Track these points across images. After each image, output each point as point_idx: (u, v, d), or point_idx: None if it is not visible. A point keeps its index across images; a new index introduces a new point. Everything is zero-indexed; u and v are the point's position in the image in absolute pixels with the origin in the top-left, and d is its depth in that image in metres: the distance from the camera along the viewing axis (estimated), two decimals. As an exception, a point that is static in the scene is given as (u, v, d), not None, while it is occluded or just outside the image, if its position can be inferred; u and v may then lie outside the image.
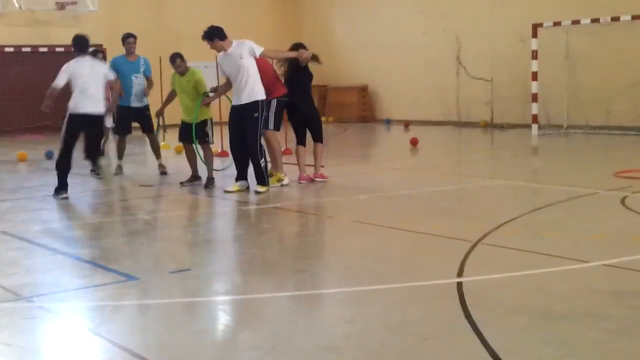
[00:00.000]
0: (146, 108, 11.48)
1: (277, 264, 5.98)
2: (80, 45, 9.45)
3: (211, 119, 10.14)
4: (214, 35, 9.13)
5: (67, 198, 9.06)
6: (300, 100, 9.79)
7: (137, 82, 11.31)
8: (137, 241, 6.89)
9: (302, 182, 9.83)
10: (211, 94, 9.92)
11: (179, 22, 21.80)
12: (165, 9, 22.42)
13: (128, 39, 11.43)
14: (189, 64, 10.14)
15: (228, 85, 9.60)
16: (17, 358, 3.98)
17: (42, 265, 6.00)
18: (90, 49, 10.01)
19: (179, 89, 10.10)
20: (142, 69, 11.39)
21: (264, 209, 8.43)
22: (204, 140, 10.03)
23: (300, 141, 10.02)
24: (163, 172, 11.29)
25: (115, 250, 6.46)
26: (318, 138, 10.05)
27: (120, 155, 11.59)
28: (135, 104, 11.33)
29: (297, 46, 9.76)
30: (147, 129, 11.53)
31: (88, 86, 9.15)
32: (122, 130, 11.55)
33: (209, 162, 9.96)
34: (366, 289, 5.03)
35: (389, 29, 21.88)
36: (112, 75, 9.75)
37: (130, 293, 5.14)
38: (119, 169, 11.40)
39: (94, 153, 9.59)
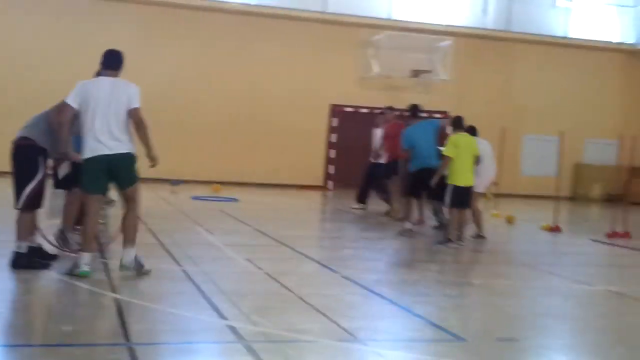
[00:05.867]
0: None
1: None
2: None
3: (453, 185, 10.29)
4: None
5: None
6: None
7: None
8: (464, 303, 7.06)
9: None
10: None
11: (524, 95, 21.90)
12: (513, 82, 22.66)
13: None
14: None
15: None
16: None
17: (378, 312, 6.46)
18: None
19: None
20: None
21: (595, 291, 8.08)
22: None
23: None
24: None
25: (443, 308, 6.70)
26: None
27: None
28: None
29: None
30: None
31: None
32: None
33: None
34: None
35: None
36: None
37: (458, 354, 5.31)
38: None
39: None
